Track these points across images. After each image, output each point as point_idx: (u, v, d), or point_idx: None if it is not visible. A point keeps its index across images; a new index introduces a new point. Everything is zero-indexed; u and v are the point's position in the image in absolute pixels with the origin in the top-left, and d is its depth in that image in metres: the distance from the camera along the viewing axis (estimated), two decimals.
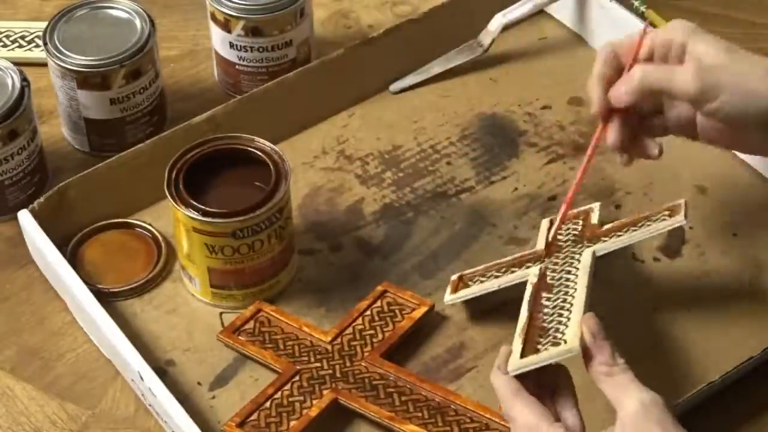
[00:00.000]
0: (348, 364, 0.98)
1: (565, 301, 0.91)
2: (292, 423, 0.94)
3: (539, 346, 0.87)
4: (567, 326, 0.88)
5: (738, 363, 0.96)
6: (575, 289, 0.92)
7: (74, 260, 1.06)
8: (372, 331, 1.00)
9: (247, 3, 1.15)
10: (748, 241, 1.07)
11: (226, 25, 1.17)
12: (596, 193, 1.11)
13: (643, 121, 0.99)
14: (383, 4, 1.31)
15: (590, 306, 0.90)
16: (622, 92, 0.95)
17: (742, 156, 1.12)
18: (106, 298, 1.04)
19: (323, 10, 1.30)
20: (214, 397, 0.98)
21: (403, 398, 0.96)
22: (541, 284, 0.95)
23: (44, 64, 1.15)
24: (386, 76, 1.21)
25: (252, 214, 0.99)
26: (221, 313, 1.04)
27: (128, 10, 1.15)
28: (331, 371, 0.98)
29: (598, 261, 0.96)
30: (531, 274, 0.97)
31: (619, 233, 0.99)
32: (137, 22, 1.14)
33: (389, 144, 1.17)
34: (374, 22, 1.29)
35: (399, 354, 1.00)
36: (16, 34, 1.26)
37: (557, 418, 0.84)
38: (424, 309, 1.01)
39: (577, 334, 0.85)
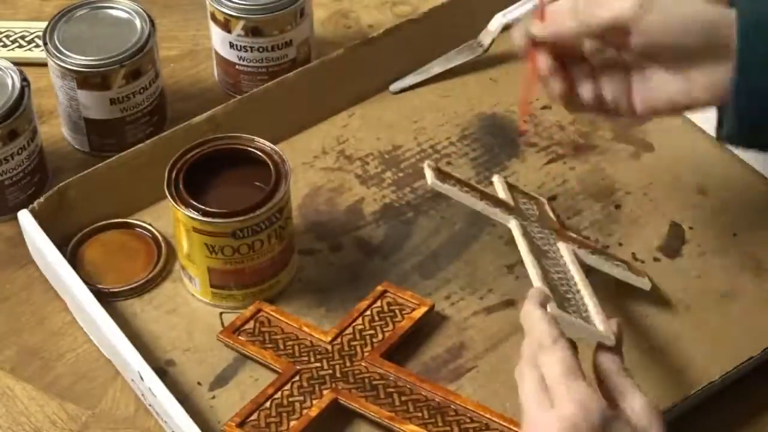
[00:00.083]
0: (348, 364, 0.98)
1: (568, 283, 0.93)
2: (292, 423, 0.94)
3: (570, 311, 0.88)
4: (587, 312, 0.90)
5: (738, 363, 0.96)
6: (574, 278, 0.95)
7: (74, 260, 1.06)
8: (372, 331, 1.00)
9: (247, 3, 1.15)
10: (748, 241, 1.07)
11: (226, 25, 1.17)
12: (596, 193, 1.11)
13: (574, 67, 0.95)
14: (383, 4, 1.31)
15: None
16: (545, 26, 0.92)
17: (742, 156, 1.12)
18: (106, 298, 1.03)
19: (323, 10, 1.30)
20: (214, 397, 0.98)
21: (403, 398, 0.96)
22: (533, 248, 0.96)
23: (44, 64, 1.15)
24: (386, 76, 1.21)
25: (252, 214, 0.99)
26: (221, 313, 1.04)
27: (128, 10, 1.15)
28: (331, 371, 0.98)
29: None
30: (512, 225, 0.99)
31: (587, 249, 1.02)
32: (137, 22, 1.14)
33: (389, 144, 1.16)
34: (374, 22, 1.29)
35: (399, 354, 1.00)
36: (16, 34, 1.26)
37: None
38: (424, 309, 1.01)
39: (609, 328, 0.88)
